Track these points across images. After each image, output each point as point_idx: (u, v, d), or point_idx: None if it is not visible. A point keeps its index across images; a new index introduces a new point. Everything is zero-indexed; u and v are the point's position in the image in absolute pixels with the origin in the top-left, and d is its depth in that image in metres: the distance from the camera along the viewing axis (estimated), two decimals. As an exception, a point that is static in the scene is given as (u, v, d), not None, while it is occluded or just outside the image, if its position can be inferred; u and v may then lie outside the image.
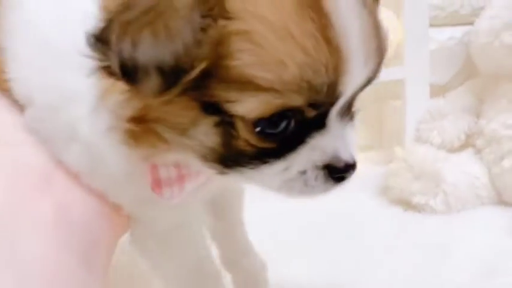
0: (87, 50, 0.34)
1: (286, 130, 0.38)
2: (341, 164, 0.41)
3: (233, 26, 0.34)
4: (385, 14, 0.55)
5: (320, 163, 0.41)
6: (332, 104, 0.39)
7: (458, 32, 1.35)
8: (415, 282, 0.86)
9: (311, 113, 0.38)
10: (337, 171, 0.41)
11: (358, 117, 0.45)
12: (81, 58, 0.35)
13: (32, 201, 0.43)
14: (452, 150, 1.24)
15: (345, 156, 0.41)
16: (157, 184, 0.44)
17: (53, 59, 0.43)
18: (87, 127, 0.42)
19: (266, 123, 0.38)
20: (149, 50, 0.32)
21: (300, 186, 0.42)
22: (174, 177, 0.44)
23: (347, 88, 0.38)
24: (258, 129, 0.38)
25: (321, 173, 0.41)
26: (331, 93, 0.37)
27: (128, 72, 0.33)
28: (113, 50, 0.33)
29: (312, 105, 0.37)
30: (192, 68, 0.34)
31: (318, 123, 0.40)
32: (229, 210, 0.68)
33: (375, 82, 0.42)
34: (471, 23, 1.25)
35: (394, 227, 1.07)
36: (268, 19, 0.34)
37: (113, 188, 0.47)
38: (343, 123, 0.41)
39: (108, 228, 0.48)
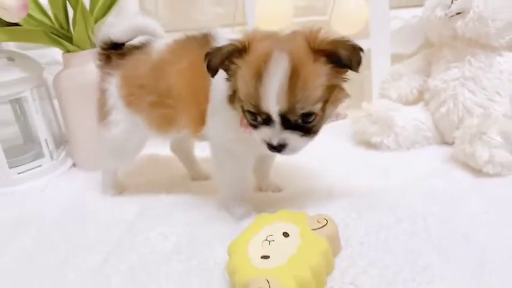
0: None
1: (257, 118, 0.81)
2: (271, 144, 0.81)
3: (238, 69, 0.80)
4: None
5: (263, 139, 0.82)
6: (267, 116, 0.79)
7: (419, 11, 1.52)
8: (366, 191, 1.10)
9: (262, 116, 0.80)
10: (271, 146, 0.81)
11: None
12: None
13: None
14: (408, 103, 1.46)
15: (273, 142, 0.80)
16: (243, 126, 0.87)
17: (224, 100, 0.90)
18: (225, 110, 0.89)
19: (250, 113, 0.81)
20: (214, 62, 0.81)
21: (264, 145, 0.82)
22: (247, 125, 0.86)
23: (270, 112, 0.78)
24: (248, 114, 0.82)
25: (266, 144, 0.82)
26: (261, 111, 0.79)
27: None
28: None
29: (260, 113, 0.79)
30: (230, 69, 0.83)
31: (268, 121, 0.80)
32: (263, 164, 1.15)
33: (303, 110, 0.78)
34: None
35: (357, 162, 1.33)
36: (245, 73, 0.79)
37: (220, 132, 0.95)
38: (284, 129, 0.80)
39: None
